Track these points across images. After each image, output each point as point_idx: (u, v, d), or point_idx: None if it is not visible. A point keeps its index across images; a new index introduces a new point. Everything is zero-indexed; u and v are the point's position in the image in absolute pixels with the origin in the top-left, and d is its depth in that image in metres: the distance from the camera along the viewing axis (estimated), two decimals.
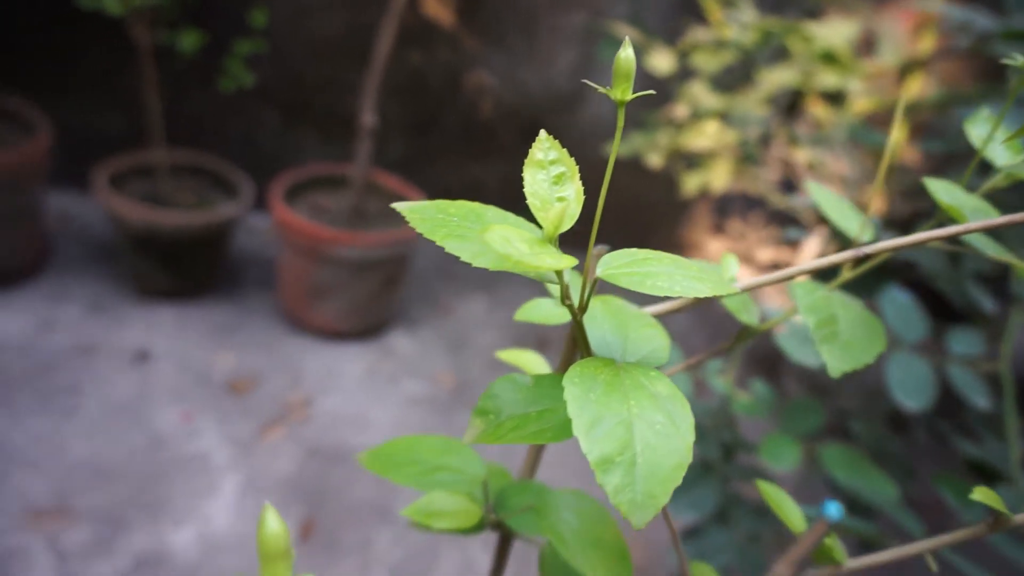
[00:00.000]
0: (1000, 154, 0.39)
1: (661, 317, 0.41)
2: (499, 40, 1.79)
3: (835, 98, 1.10)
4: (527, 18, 1.76)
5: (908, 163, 1.42)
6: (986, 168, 0.41)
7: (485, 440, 0.34)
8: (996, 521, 0.36)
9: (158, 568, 1.07)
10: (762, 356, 1.72)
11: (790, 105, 1.20)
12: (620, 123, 0.29)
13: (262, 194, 1.76)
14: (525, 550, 1.19)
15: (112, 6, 1.23)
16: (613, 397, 0.30)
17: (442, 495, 0.41)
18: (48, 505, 1.11)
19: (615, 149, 0.29)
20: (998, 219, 0.33)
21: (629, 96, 0.30)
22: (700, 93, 1.22)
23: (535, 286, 1.96)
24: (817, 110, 1.17)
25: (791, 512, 0.43)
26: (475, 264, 0.30)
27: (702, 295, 0.30)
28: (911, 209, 1.11)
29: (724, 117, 1.32)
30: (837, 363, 0.37)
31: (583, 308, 0.32)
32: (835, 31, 1.06)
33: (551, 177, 0.31)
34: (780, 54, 1.18)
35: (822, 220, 1.35)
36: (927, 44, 1.20)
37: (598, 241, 0.32)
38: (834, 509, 0.39)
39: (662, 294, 0.29)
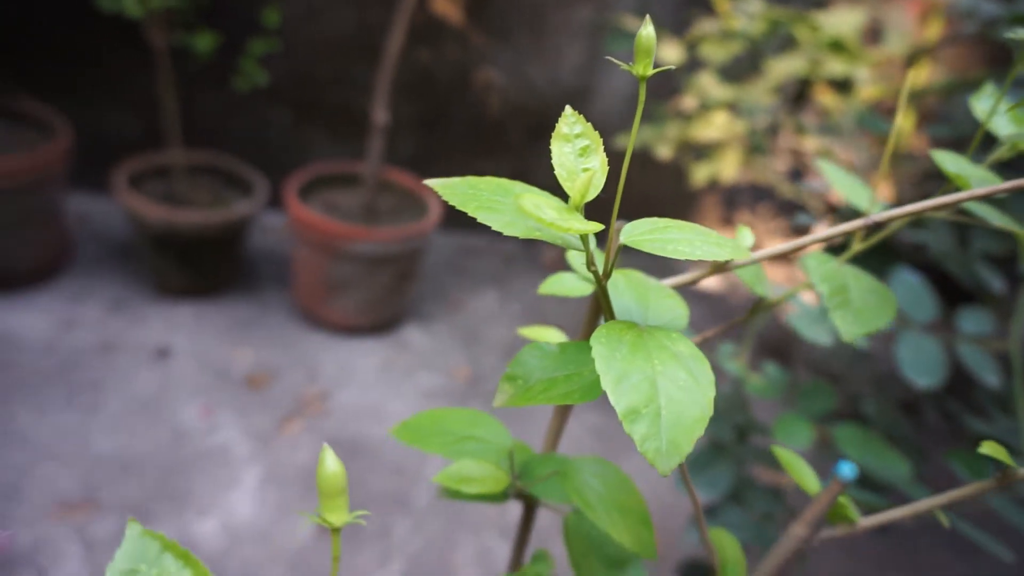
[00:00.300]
0: (1004, 126, 0.40)
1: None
2: (507, 37, 1.81)
3: (843, 86, 1.11)
4: (534, 14, 1.78)
5: (916, 151, 1.43)
6: (991, 143, 0.42)
7: (515, 403, 0.36)
8: (1004, 475, 0.38)
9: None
10: (773, 345, 1.73)
11: (798, 94, 1.21)
12: (641, 97, 0.31)
13: (275, 193, 1.78)
14: (546, 531, 1.21)
15: (132, 8, 1.26)
16: (638, 356, 0.31)
17: (471, 463, 0.43)
18: (75, 497, 1.14)
19: (637, 120, 0.31)
20: (1002, 185, 0.34)
21: (650, 71, 0.31)
22: (708, 84, 1.23)
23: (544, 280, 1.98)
24: (825, 98, 1.18)
25: (805, 475, 0.45)
26: (506, 233, 0.32)
27: (721, 259, 0.32)
28: (920, 195, 1.12)
29: (732, 108, 1.33)
30: (849, 328, 0.39)
31: (607, 274, 0.33)
32: (842, 20, 1.08)
33: (576, 150, 0.33)
34: (787, 44, 1.19)
35: (831, 209, 1.36)
36: (934, 31, 1.21)
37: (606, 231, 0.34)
38: (847, 469, 0.40)
39: (683, 258, 0.31)
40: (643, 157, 1.60)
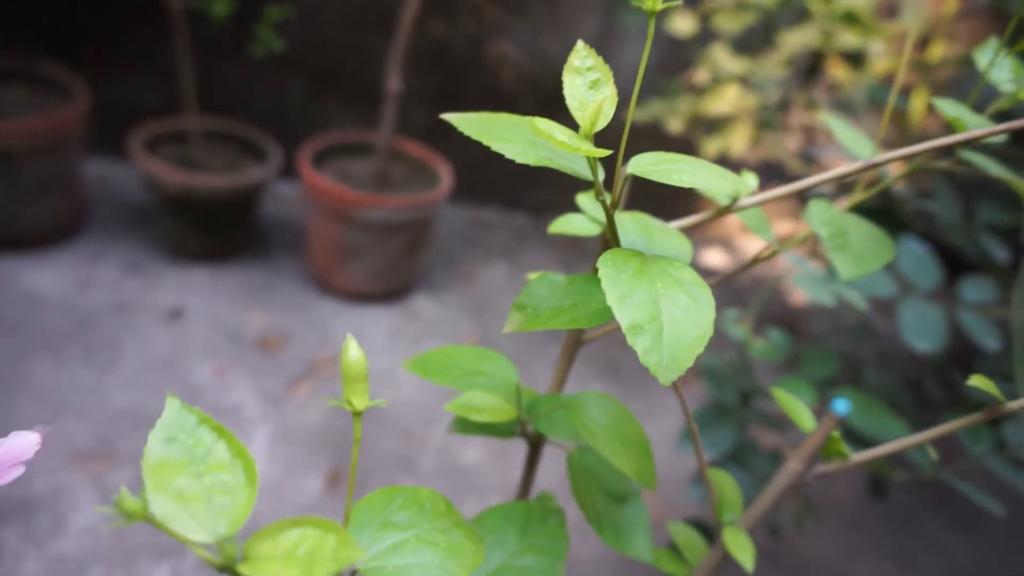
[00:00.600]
0: (1004, 76, 0.41)
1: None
2: (522, 10, 1.81)
3: (855, 59, 1.12)
4: None
5: (929, 130, 1.43)
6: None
7: (525, 327, 0.37)
8: (992, 408, 0.39)
9: None
10: (777, 318, 1.74)
11: (810, 67, 1.21)
12: (650, 33, 0.33)
13: (289, 162, 1.80)
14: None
15: None
16: (642, 279, 0.33)
17: (480, 394, 0.45)
18: (92, 449, 1.17)
19: (645, 57, 0.32)
20: (997, 127, 0.36)
21: (659, 6, 0.33)
22: (721, 56, 1.24)
23: (554, 254, 1.99)
24: (837, 71, 1.19)
25: (802, 415, 0.46)
26: (518, 160, 0.33)
27: (724, 190, 0.33)
28: (931, 170, 1.13)
29: (744, 81, 1.33)
30: (848, 269, 0.40)
31: (615, 204, 0.35)
32: None
33: (588, 82, 0.34)
34: (801, 16, 1.20)
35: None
36: (950, 5, 1.21)
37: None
38: (842, 405, 0.42)
39: (688, 186, 0.33)
40: (653, 131, 1.60)
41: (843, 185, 1.07)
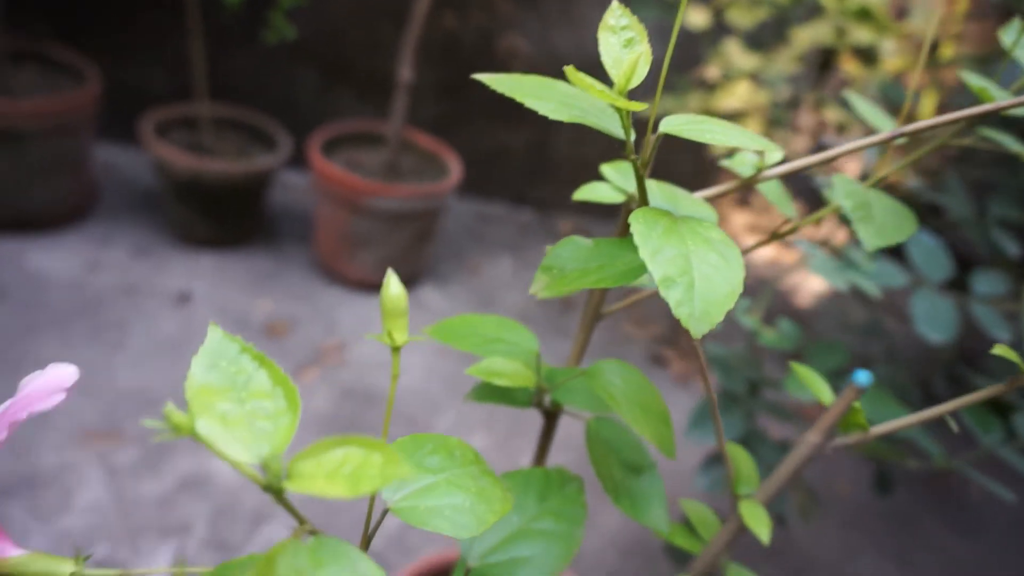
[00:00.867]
0: None
1: None
2: (532, 4, 1.82)
3: (868, 56, 1.12)
4: None
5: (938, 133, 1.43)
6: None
7: (551, 289, 0.38)
8: (1015, 379, 0.39)
9: (201, 488, 1.13)
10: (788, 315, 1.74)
11: (823, 63, 1.22)
12: (679, 17, 0.33)
13: (298, 151, 1.80)
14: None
15: None
16: (672, 236, 0.33)
17: (501, 359, 0.45)
18: (99, 427, 1.17)
19: (676, 29, 0.33)
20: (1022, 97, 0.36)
21: None
22: (733, 51, 1.24)
23: None
24: (849, 67, 1.19)
25: (820, 387, 0.46)
26: (552, 117, 0.34)
27: (753, 148, 0.33)
28: (943, 171, 1.13)
29: (755, 78, 1.34)
30: (872, 239, 0.41)
31: (646, 164, 0.35)
32: None
33: (622, 41, 0.35)
34: (814, 12, 1.20)
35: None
36: (961, 6, 1.21)
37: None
38: (863, 376, 0.42)
39: (719, 143, 0.33)
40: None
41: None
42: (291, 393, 0.23)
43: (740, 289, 0.32)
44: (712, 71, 1.38)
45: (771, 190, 0.47)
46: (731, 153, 0.51)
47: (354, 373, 1.42)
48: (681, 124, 0.34)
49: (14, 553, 0.27)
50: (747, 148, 0.33)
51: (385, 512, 0.28)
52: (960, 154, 1.20)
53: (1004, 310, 0.80)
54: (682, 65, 1.65)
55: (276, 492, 0.22)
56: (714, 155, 1.42)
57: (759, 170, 0.42)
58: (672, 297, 0.31)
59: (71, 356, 1.27)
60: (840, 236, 0.99)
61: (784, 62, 1.18)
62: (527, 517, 0.42)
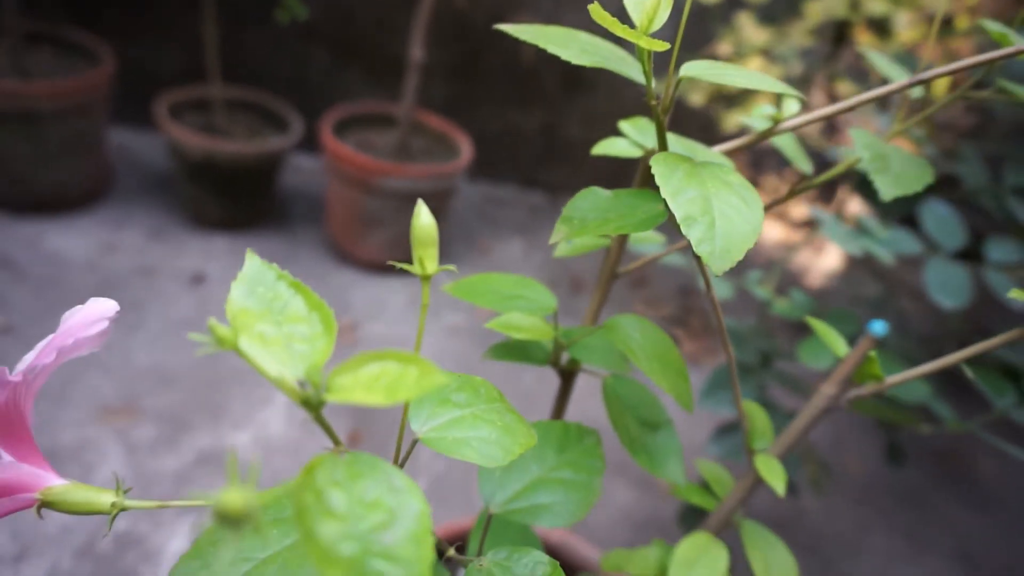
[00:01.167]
0: None
1: None
2: None
3: (882, 28, 1.11)
4: None
5: (952, 118, 1.42)
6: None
7: (573, 236, 0.38)
8: None
9: (218, 464, 1.14)
10: None
11: (836, 36, 1.21)
12: None
13: (309, 134, 1.81)
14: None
15: None
16: (693, 179, 0.34)
17: (520, 314, 0.46)
18: (118, 404, 1.19)
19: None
20: None
21: None
22: (746, 26, 1.24)
23: None
24: (864, 40, 1.18)
25: (835, 340, 0.47)
26: (575, 61, 0.34)
27: (774, 90, 0.34)
28: (955, 137, 1.13)
29: (767, 54, 1.33)
30: (889, 188, 0.41)
31: (667, 109, 0.36)
32: None
33: None
34: None
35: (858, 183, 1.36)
36: None
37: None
38: (879, 326, 0.43)
39: (739, 86, 0.33)
40: (673, 107, 1.60)
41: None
42: (327, 318, 0.24)
43: (760, 229, 0.33)
44: (724, 47, 1.38)
45: (787, 145, 0.47)
46: (745, 131, 0.51)
47: (367, 351, 1.43)
48: (702, 69, 0.34)
49: (57, 483, 0.28)
50: (766, 89, 0.33)
51: (415, 442, 0.29)
52: (974, 130, 1.20)
53: (1018, 277, 0.80)
54: (693, 43, 1.64)
55: (315, 407, 0.22)
56: (725, 131, 1.42)
57: (776, 122, 0.42)
58: (693, 235, 0.31)
59: None
60: (853, 207, 0.99)
61: (798, 36, 1.17)
62: (547, 467, 0.43)
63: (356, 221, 1.56)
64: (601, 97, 1.97)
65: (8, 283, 1.35)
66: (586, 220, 0.39)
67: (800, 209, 2.22)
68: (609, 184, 0.39)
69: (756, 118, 0.46)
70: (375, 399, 0.20)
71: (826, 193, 1.95)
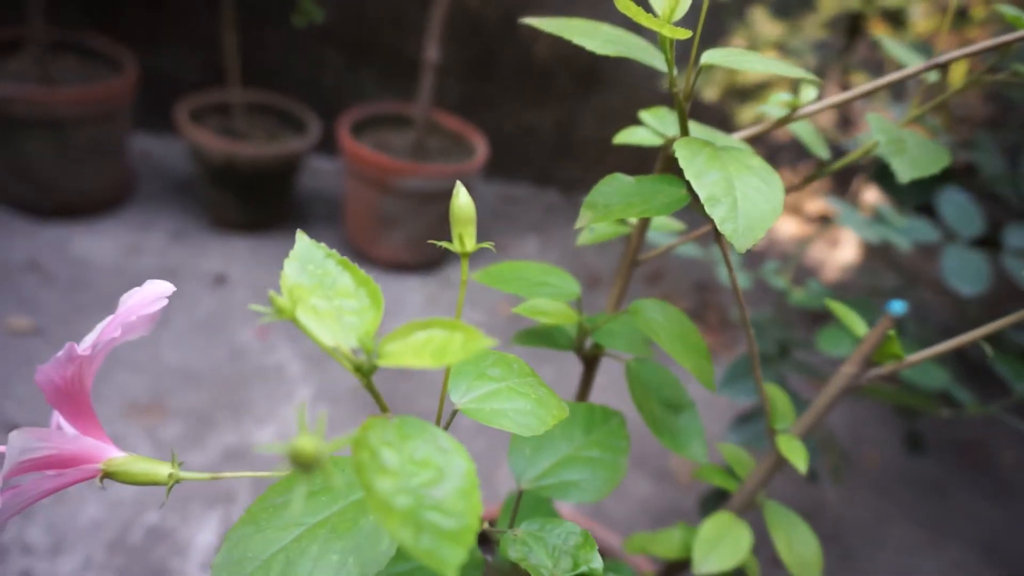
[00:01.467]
0: None
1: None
2: None
3: (896, 19, 1.12)
4: None
5: (968, 109, 1.42)
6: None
7: (598, 220, 0.39)
8: None
9: (244, 460, 1.17)
10: None
11: (851, 28, 1.22)
12: None
13: (327, 135, 1.83)
14: None
15: None
16: (715, 163, 0.35)
17: (546, 300, 0.47)
18: (146, 401, 1.21)
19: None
20: None
21: None
22: (760, 19, 1.24)
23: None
24: (878, 32, 1.19)
25: (855, 321, 0.48)
26: (599, 52, 0.36)
27: (792, 75, 0.35)
28: (972, 128, 1.13)
29: (781, 48, 1.34)
30: (906, 171, 0.42)
31: (688, 96, 0.37)
32: None
33: None
34: None
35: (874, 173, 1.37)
36: None
37: None
38: (898, 305, 0.44)
39: (758, 71, 0.34)
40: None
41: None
42: (374, 292, 0.26)
43: (780, 210, 0.34)
44: (737, 42, 1.38)
45: (804, 132, 0.48)
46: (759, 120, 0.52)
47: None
48: (723, 56, 0.36)
49: (117, 455, 0.30)
50: (784, 74, 0.35)
51: (454, 413, 0.30)
52: (992, 120, 1.20)
53: None
54: (708, 38, 1.65)
55: (366, 373, 0.24)
56: (741, 123, 1.42)
57: (793, 109, 0.44)
58: (717, 214, 0.32)
59: None
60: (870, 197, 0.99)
61: (811, 29, 1.18)
62: (575, 446, 0.44)
63: (373, 221, 1.58)
64: (615, 95, 1.98)
65: (36, 286, 1.38)
66: (611, 205, 0.40)
67: (815, 203, 2.22)
68: None
69: (774, 105, 0.48)
70: (424, 362, 0.22)
71: (841, 186, 1.95)
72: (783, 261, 0.91)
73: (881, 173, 0.87)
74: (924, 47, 1.07)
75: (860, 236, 0.75)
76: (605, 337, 0.51)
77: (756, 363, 0.48)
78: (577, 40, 0.36)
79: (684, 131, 0.38)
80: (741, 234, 0.32)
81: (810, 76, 0.36)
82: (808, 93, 0.45)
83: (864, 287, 1.30)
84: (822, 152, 0.48)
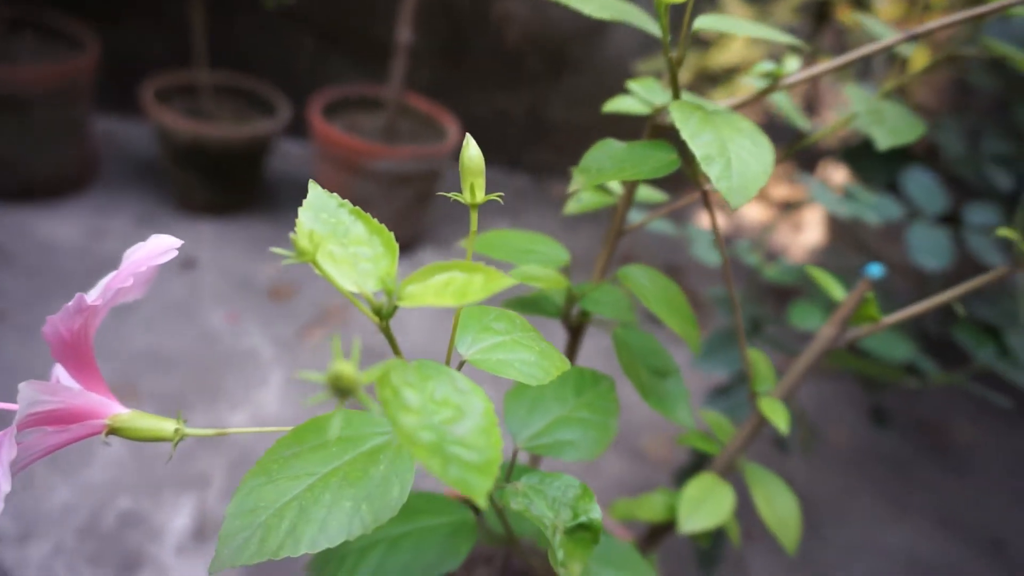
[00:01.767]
0: None
1: None
2: None
3: (861, 4, 1.15)
4: None
5: (925, 102, 1.46)
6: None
7: (592, 183, 0.40)
8: (1017, 263, 0.43)
9: (218, 443, 1.16)
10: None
11: (819, 14, 1.25)
12: None
13: (296, 119, 1.81)
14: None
15: None
16: (708, 125, 0.36)
17: (536, 266, 0.48)
18: (115, 385, 1.19)
19: None
20: None
21: None
22: (732, 3, 1.26)
23: (555, 213, 2.02)
24: (846, 17, 1.22)
25: (832, 286, 0.50)
26: (595, 16, 0.36)
27: (781, 41, 0.36)
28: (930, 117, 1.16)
29: None
30: (885, 139, 0.44)
31: (679, 61, 0.38)
32: None
33: None
34: None
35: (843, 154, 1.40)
36: None
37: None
38: (876, 269, 0.45)
39: (748, 35, 0.36)
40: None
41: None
42: (388, 240, 0.26)
43: (771, 169, 0.35)
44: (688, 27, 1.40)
45: (783, 103, 0.50)
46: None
47: (359, 331, 1.44)
48: (715, 21, 0.37)
49: (122, 411, 0.30)
50: (773, 39, 0.36)
51: (462, 363, 0.31)
52: (955, 102, 1.24)
53: (996, 239, 0.83)
54: (677, 22, 1.67)
55: (386, 316, 0.24)
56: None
57: (777, 78, 0.45)
58: (713, 172, 0.33)
59: None
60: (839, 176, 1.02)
61: (781, 14, 1.20)
62: (567, 408, 0.45)
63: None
64: (585, 79, 1.99)
65: None
66: (603, 169, 0.41)
67: (779, 189, 2.27)
68: None
69: (756, 77, 0.49)
70: (446, 302, 0.22)
71: (808, 168, 2.00)
72: (752, 242, 0.94)
73: (849, 153, 0.90)
74: (891, 34, 1.10)
75: (831, 212, 0.77)
76: (592, 304, 0.52)
77: (741, 331, 0.50)
78: (574, 5, 0.36)
79: (676, 95, 0.39)
80: (736, 191, 0.33)
81: (796, 41, 0.37)
82: (790, 64, 0.46)
83: (831, 268, 1.34)
84: (801, 122, 0.50)
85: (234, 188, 1.62)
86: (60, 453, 1.07)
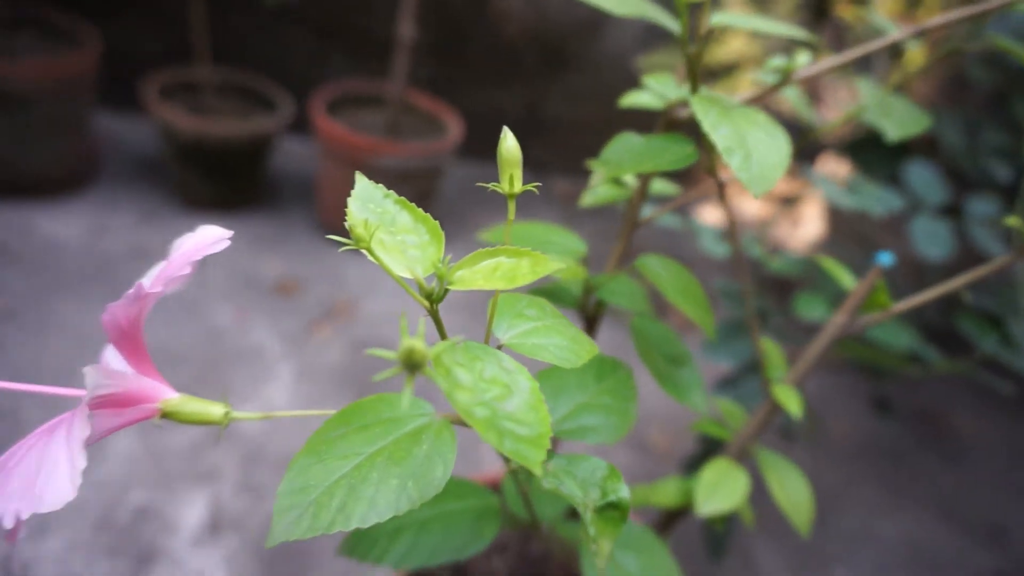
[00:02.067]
0: None
1: None
2: None
3: (861, 1, 1.16)
4: None
5: (923, 96, 1.48)
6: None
7: (613, 174, 0.42)
8: (1018, 253, 0.44)
9: (228, 438, 1.17)
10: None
11: (818, 10, 1.26)
12: None
13: (298, 116, 1.82)
14: None
15: None
16: (726, 119, 0.37)
17: (555, 256, 0.49)
18: None
19: None
20: None
21: None
22: (732, 1, 1.28)
23: (557, 209, 2.03)
24: (847, 13, 1.23)
25: (843, 275, 0.51)
26: (616, 12, 0.38)
27: (795, 36, 0.37)
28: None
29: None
30: (894, 130, 0.45)
31: (699, 57, 0.39)
32: None
33: None
34: None
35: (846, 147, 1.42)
36: None
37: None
38: (886, 257, 0.47)
39: (762, 30, 0.37)
40: None
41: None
42: (433, 228, 0.27)
43: (788, 160, 0.37)
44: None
45: (794, 97, 0.51)
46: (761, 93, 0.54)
47: (366, 327, 1.46)
48: (730, 18, 0.38)
49: (173, 396, 0.31)
50: (786, 35, 0.37)
51: (499, 347, 0.32)
52: (954, 96, 1.25)
53: (997, 230, 0.85)
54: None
55: (436, 300, 0.26)
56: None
57: (788, 72, 0.46)
58: (734, 163, 0.35)
59: (90, 317, 1.30)
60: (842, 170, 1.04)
61: (781, 11, 1.22)
62: (589, 394, 0.47)
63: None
64: (583, 76, 2.00)
65: (1, 267, 1.35)
66: (623, 161, 0.42)
67: (779, 184, 2.28)
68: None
69: (768, 72, 0.50)
70: (496, 285, 0.24)
71: (808, 162, 2.01)
72: (754, 237, 0.95)
73: (852, 147, 0.91)
74: (891, 28, 1.11)
75: (836, 204, 0.79)
76: (609, 294, 0.54)
77: (753, 321, 0.51)
78: (591, 1, 0.38)
79: (695, 90, 0.41)
80: (756, 181, 0.35)
81: (807, 35, 0.38)
82: (801, 58, 0.48)
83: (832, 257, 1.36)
84: (811, 116, 0.51)
85: (237, 185, 1.63)
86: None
